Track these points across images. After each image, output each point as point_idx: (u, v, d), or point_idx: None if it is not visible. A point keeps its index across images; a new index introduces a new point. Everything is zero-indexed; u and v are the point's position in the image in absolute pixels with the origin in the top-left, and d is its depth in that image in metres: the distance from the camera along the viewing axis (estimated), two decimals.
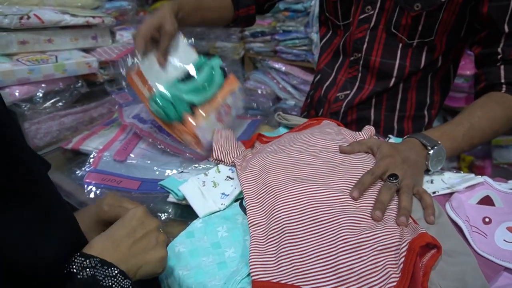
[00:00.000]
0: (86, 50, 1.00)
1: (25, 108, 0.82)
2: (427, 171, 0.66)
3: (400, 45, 0.82)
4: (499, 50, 0.72)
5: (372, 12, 0.83)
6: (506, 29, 0.70)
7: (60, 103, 0.89)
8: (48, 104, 0.87)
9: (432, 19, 0.77)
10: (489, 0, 0.71)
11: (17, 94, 0.81)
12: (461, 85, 1.58)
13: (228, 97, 0.80)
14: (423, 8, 0.76)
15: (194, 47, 0.84)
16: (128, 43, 1.06)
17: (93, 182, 0.70)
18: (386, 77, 0.86)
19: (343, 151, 0.66)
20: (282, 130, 0.85)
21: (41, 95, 0.85)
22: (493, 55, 0.73)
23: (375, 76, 0.87)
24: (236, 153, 0.70)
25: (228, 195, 0.60)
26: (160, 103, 0.72)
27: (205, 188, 0.62)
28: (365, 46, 0.86)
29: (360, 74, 0.89)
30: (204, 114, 0.75)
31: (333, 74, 0.95)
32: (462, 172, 0.70)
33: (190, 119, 0.73)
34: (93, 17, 0.97)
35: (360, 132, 0.73)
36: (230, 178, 0.65)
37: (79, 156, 0.85)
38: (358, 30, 0.86)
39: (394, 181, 0.56)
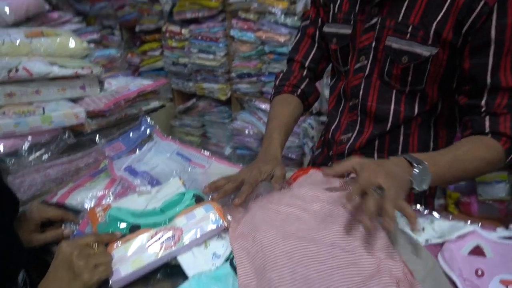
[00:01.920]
0: (74, 100, 1.00)
1: (10, 163, 0.80)
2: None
3: (394, 91, 0.85)
4: (483, 103, 0.75)
5: (366, 62, 0.87)
6: (488, 84, 0.74)
7: (46, 155, 0.87)
8: (33, 157, 0.86)
9: (420, 71, 0.80)
10: (470, 58, 0.75)
11: (1, 148, 0.79)
12: None
13: (183, 220, 0.65)
14: (410, 61, 0.79)
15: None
16: (117, 92, 1.06)
17: None
18: (382, 121, 0.89)
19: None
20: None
21: (26, 147, 0.84)
22: (477, 107, 0.76)
23: (373, 120, 0.90)
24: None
25: (219, 256, 0.59)
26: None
27: (196, 248, 0.60)
28: (361, 92, 0.89)
29: (359, 118, 0.92)
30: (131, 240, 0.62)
31: (338, 117, 0.98)
32: (449, 209, 0.70)
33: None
34: (82, 67, 0.97)
35: (347, 178, 0.73)
36: (221, 237, 0.64)
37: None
38: (354, 78, 0.90)
39: (379, 190, 0.57)
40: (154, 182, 0.85)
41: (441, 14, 0.74)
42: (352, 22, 0.88)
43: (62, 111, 0.89)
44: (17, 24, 1.18)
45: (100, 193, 0.81)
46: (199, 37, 2.18)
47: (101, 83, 1.07)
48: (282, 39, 1.88)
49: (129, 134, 0.99)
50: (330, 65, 1.03)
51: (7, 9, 1.14)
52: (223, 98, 2.29)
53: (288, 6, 1.83)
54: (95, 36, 1.33)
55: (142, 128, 1.02)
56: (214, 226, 0.64)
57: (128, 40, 2.78)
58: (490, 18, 0.69)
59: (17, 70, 0.87)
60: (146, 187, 0.78)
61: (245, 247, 0.57)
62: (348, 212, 0.61)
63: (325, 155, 1.05)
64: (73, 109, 0.92)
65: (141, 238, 0.62)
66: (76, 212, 0.78)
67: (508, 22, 0.69)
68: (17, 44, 1.02)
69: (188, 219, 0.65)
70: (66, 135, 0.91)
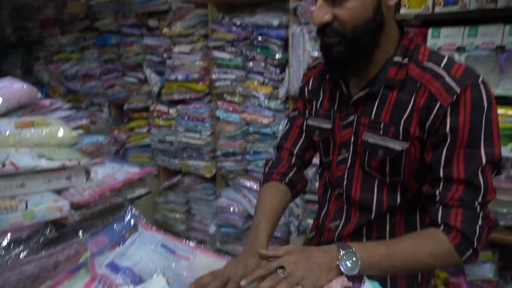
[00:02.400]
0: (58, 190, 0.99)
1: None
2: None
3: (376, 181, 0.89)
4: (437, 193, 0.80)
5: (347, 155, 0.92)
6: (441, 176, 0.79)
7: (25, 252, 0.84)
8: (11, 254, 0.82)
9: (396, 164, 0.85)
10: (432, 151, 0.81)
11: None
12: None
13: None
14: (385, 155, 0.85)
15: None
16: (103, 182, 1.06)
17: None
18: (367, 210, 0.91)
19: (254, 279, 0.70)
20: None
21: (5, 244, 0.81)
22: (433, 196, 0.81)
23: (358, 209, 0.93)
24: None
25: None
26: None
27: None
28: (345, 182, 0.93)
29: (345, 206, 0.95)
30: None
31: (326, 204, 1.01)
32: None
33: None
34: (70, 159, 0.98)
35: (334, 281, 0.72)
36: None
37: None
38: (337, 169, 0.95)
39: (280, 270, 0.64)
40: (137, 279, 0.82)
41: (407, 113, 0.82)
42: (332, 118, 0.95)
43: (45, 205, 0.88)
44: (8, 112, 1.21)
45: None
46: (186, 117, 2.25)
47: (87, 172, 1.07)
48: (265, 121, 1.96)
49: (113, 226, 0.97)
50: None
51: (0, 100, 1.17)
52: (208, 175, 2.30)
53: (271, 91, 1.94)
54: (84, 121, 1.35)
55: (127, 218, 1.00)
56: None
57: (116, 117, 2.85)
58: (445, 117, 0.77)
59: (3, 165, 0.87)
60: (128, 287, 0.75)
61: None
62: None
63: (318, 239, 1.07)
64: (57, 202, 0.91)
65: None
66: None
67: (460, 120, 0.76)
68: (6, 135, 1.03)
69: None
70: (48, 229, 0.89)
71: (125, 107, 2.61)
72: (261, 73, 1.93)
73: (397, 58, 0.84)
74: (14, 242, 0.84)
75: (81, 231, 0.90)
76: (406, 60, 0.83)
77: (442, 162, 0.79)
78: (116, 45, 2.60)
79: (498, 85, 1.32)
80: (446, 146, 0.78)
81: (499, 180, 1.39)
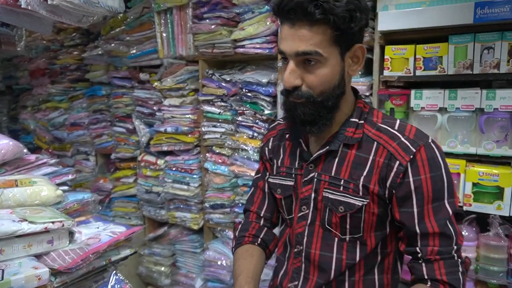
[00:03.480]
0: (38, 255, 0.95)
1: None
2: None
3: (336, 239, 0.92)
4: (418, 249, 0.85)
5: (307, 211, 0.94)
6: (418, 231, 0.84)
7: None
8: None
9: (356, 219, 0.89)
10: (398, 207, 0.86)
11: None
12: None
13: None
14: (346, 211, 0.88)
15: None
16: (86, 244, 1.02)
17: None
18: (326, 269, 0.92)
19: None
20: None
21: None
22: (414, 253, 0.86)
23: (317, 268, 0.93)
24: None
25: None
26: None
27: None
28: (305, 240, 0.95)
29: (303, 265, 0.96)
30: None
31: (285, 263, 1.01)
32: None
33: None
34: (53, 222, 0.95)
35: None
36: None
37: None
38: (298, 226, 0.96)
39: None
40: None
41: (366, 171, 0.87)
42: (293, 175, 0.98)
43: (23, 274, 0.83)
44: None
45: None
46: (174, 168, 2.24)
47: (71, 234, 1.04)
48: (254, 174, 1.96)
49: None
50: None
51: None
52: (196, 227, 2.25)
53: (260, 144, 1.96)
54: (69, 177, 1.33)
55: (111, 284, 0.96)
56: None
57: (102, 166, 2.81)
58: (407, 174, 0.84)
59: None
60: None
61: None
62: None
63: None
64: (36, 270, 0.86)
65: None
66: None
67: (422, 178, 0.83)
68: None
69: None
70: None
71: (112, 156, 2.59)
72: (250, 127, 1.96)
73: (354, 119, 0.90)
74: None
75: None
76: (362, 121, 0.90)
77: (416, 218, 0.84)
78: (106, 96, 2.62)
79: (479, 144, 1.36)
80: (414, 203, 0.84)
81: (487, 237, 1.39)
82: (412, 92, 1.44)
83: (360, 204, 0.87)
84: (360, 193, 0.87)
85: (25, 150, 1.30)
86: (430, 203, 0.84)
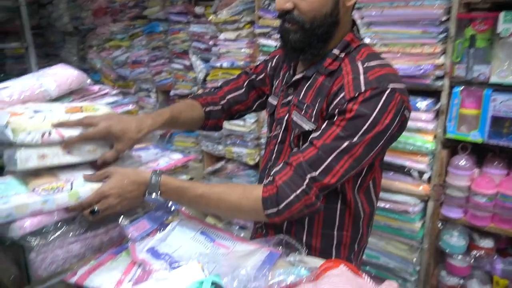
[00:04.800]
0: None
1: (34, 243, 0.80)
2: None
3: None
4: (294, 150, 0.93)
5: (279, 131, 1.01)
6: (309, 139, 0.89)
7: (71, 233, 0.87)
8: (58, 234, 0.85)
9: (307, 139, 0.90)
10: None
11: (27, 227, 0.80)
12: (485, 204, 1.53)
13: None
14: (299, 132, 0.94)
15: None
16: (146, 167, 1.07)
17: None
18: None
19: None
20: (302, 271, 0.79)
21: (51, 226, 0.84)
22: (290, 155, 0.91)
23: None
24: None
25: None
26: None
27: None
28: (273, 156, 1.04)
29: None
30: None
31: (264, 178, 1.06)
32: None
33: None
34: None
35: (383, 286, 0.68)
36: None
37: None
38: (272, 143, 1.05)
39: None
40: (176, 265, 0.82)
41: (322, 97, 0.90)
42: (278, 96, 1.06)
43: (89, 187, 0.90)
44: (60, 97, 1.26)
45: (118, 278, 0.79)
46: None
47: (130, 157, 1.09)
48: None
49: (154, 212, 0.98)
50: None
51: (53, 85, 1.21)
52: (252, 162, 2.29)
53: None
54: (130, 107, 1.38)
55: (168, 205, 1.01)
56: None
57: (163, 102, 2.91)
58: (343, 107, 0.83)
59: (50, 134, 0.91)
60: (164, 273, 0.75)
61: None
62: None
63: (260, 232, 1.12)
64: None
65: None
66: None
67: (348, 106, 0.83)
68: (57, 120, 1.07)
69: None
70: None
71: (172, 93, 2.66)
72: None
73: (336, 51, 0.91)
74: (61, 222, 0.87)
75: (122, 216, 0.91)
76: (342, 55, 0.91)
77: (319, 130, 0.86)
78: (163, 32, 2.64)
79: None
80: (328, 121, 0.86)
81: None
82: (502, 14, 1.24)
83: (308, 128, 0.91)
84: (313, 119, 0.90)
85: (88, 81, 1.36)
86: (339, 128, 0.83)
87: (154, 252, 0.85)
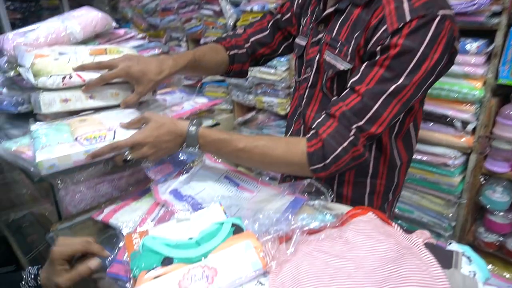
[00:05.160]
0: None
1: (61, 181, 0.82)
2: None
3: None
4: (333, 99, 0.82)
5: (310, 74, 0.93)
6: (348, 85, 0.79)
7: (98, 172, 0.88)
8: (88, 173, 0.86)
9: (342, 83, 0.83)
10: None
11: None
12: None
13: (218, 258, 0.59)
14: (333, 73, 0.85)
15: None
16: (171, 110, 1.05)
17: (118, 274, 0.65)
18: None
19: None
20: (327, 217, 0.76)
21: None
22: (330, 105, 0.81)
23: (309, 130, 0.88)
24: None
25: None
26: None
27: None
28: (304, 101, 0.95)
29: (302, 127, 0.98)
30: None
31: (292, 125, 1.03)
32: None
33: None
34: None
35: (414, 234, 0.63)
36: (260, 283, 0.57)
37: (108, 230, 0.82)
38: (301, 88, 0.97)
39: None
40: (198, 207, 0.81)
41: (358, 32, 0.79)
42: (307, 35, 0.96)
43: (129, 134, 0.84)
44: (85, 41, 1.24)
45: (141, 217, 0.79)
46: None
47: (154, 91, 1.07)
48: None
49: (178, 155, 0.96)
50: None
51: (78, 28, 1.19)
52: (283, 112, 2.23)
53: None
54: (156, 51, 1.34)
55: None
56: (251, 271, 0.58)
57: None
58: (386, 42, 0.73)
59: (70, 77, 0.90)
60: (185, 214, 0.75)
61: None
62: (412, 278, 0.51)
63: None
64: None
65: (171, 277, 0.57)
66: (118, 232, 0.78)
67: (393, 41, 0.72)
68: (82, 62, 1.05)
69: (224, 258, 0.60)
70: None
71: (202, 41, 2.59)
72: None
73: None
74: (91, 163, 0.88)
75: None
76: None
77: (359, 73, 0.76)
78: None
79: None
80: (368, 61, 0.76)
81: None
82: None
83: (344, 68, 0.82)
84: (348, 58, 0.81)
85: (113, 24, 1.32)
86: (383, 68, 0.73)
87: (177, 194, 0.84)
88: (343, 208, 0.75)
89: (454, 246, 0.58)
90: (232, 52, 1.10)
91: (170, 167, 0.92)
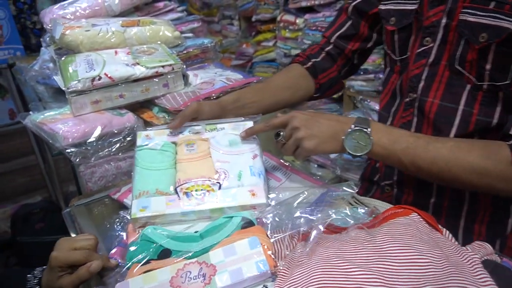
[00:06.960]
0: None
1: (74, 155, 0.79)
2: None
3: (468, 86, 0.65)
4: None
5: (431, 45, 0.68)
6: None
7: (115, 146, 0.84)
8: (110, 150, 0.83)
9: (503, 56, 0.59)
10: None
11: (70, 139, 0.78)
12: None
13: (219, 255, 0.52)
14: (489, 40, 0.59)
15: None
16: (200, 88, 0.98)
17: (118, 259, 0.60)
18: (445, 127, 0.68)
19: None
20: (358, 213, 0.65)
21: (94, 138, 0.81)
22: None
23: (431, 125, 0.70)
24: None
25: None
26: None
27: None
28: (421, 84, 0.70)
29: (415, 119, 0.73)
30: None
31: (390, 119, 0.80)
32: None
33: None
34: (163, 66, 0.92)
35: (470, 247, 0.49)
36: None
37: (126, 209, 0.78)
38: (415, 66, 0.71)
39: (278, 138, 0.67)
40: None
41: None
42: None
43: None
44: (124, 14, 1.20)
45: None
46: (314, 28, 2.00)
47: (185, 77, 1.01)
48: None
49: None
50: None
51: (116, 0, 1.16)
52: (334, 96, 2.07)
53: None
54: (195, 25, 1.28)
55: None
56: (256, 272, 0.49)
57: (245, 30, 2.77)
58: None
59: (100, 78, 0.87)
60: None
61: None
62: None
63: (372, 166, 0.88)
64: None
65: (164, 272, 0.50)
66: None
67: None
68: (112, 33, 1.02)
69: (226, 255, 0.51)
70: (138, 125, 0.86)
71: (254, 18, 2.49)
72: None
73: None
74: (105, 136, 0.85)
75: None
76: None
77: None
78: None
79: None
80: None
81: None
82: None
83: None
84: None
85: None
86: None
87: None
88: (380, 206, 0.63)
89: None
90: (309, 65, 0.89)
91: None
